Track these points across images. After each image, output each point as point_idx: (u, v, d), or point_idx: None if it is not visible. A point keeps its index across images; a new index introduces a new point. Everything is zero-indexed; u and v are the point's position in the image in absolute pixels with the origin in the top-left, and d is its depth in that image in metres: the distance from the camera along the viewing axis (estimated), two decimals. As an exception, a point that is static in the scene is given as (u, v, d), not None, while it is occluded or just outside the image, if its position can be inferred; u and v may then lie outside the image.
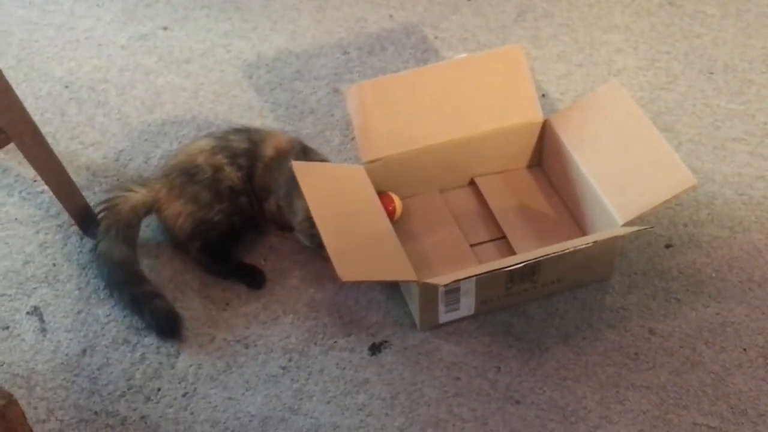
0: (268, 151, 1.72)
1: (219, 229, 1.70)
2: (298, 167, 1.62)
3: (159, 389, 1.55)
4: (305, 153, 1.74)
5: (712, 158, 1.89)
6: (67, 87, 2.10)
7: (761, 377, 1.53)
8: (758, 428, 1.47)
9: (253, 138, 1.74)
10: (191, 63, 2.15)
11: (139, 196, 1.70)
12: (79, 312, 1.66)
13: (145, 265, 1.72)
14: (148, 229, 1.78)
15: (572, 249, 1.50)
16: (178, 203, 1.69)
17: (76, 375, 1.57)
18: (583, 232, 1.72)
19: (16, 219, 1.82)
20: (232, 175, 1.70)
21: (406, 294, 1.64)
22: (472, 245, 1.73)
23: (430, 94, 1.76)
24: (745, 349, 1.57)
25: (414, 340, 1.60)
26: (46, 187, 1.76)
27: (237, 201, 1.71)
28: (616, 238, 1.62)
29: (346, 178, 1.69)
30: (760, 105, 2.00)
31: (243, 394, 1.54)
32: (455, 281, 1.48)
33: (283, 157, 1.71)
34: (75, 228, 1.79)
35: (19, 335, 1.63)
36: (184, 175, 1.70)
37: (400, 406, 1.51)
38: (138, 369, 1.57)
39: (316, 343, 1.60)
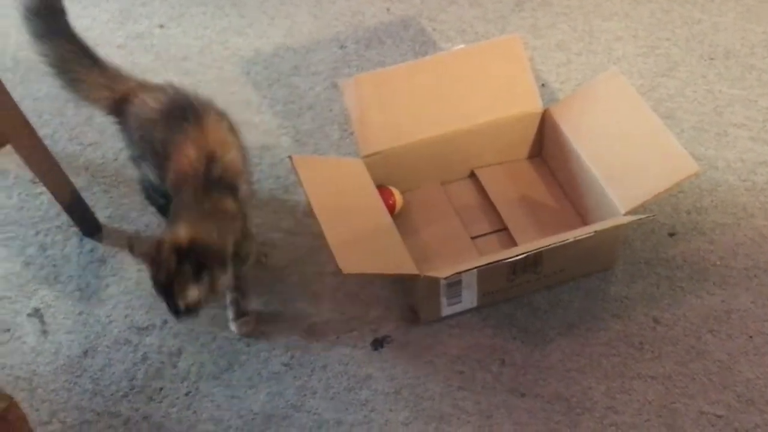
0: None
1: None
2: (297, 160, 1.61)
3: (161, 389, 1.54)
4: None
5: (714, 144, 1.87)
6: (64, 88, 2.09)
7: (768, 364, 1.52)
8: (765, 416, 1.45)
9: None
10: (188, 60, 2.14)
11: None
12: (80, 313, 1.66)
13: (146, 264, 1.72)
14: (147, 227, 1.77)
15: (574, 239, 1.48)
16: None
17: (78, 376, 1.57)
18: (585, 222, 1.71)
19: (15, 221, 1.81)
20: None
21: (407, 288, 1.63)
22: (473, 237, 1.72)
23: (429, 85, 1.75)
24: (751, 337, 1.56)
25: (416, 334, 1.59)
26: (45, 189, 1.76)
27: None
28: (618, 227, 1.60)
29: (345, 172, 1.68)
30: (761, 90, 1.98)
31: (246, 392, 1.53)
32: (456, 273, 1.47)
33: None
34: (75, 229, 1.78)
35: (20, 337, 1.63)
36: None
37: (403, 400, 1.51)
38: (140, 369, 1.57)
39: (318, 340, 1.59)
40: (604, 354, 1.55)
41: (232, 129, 1.58)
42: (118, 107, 1.60)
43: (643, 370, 1.52)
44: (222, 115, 1.57)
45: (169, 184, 1.51)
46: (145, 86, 1.61)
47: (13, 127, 1.61)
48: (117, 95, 1.60)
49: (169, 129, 1.52)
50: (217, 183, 1.46)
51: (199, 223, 1.42)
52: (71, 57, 1.61)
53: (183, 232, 1.39)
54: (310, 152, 1.91)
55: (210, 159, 1.47)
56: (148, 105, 1.56)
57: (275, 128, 1.97)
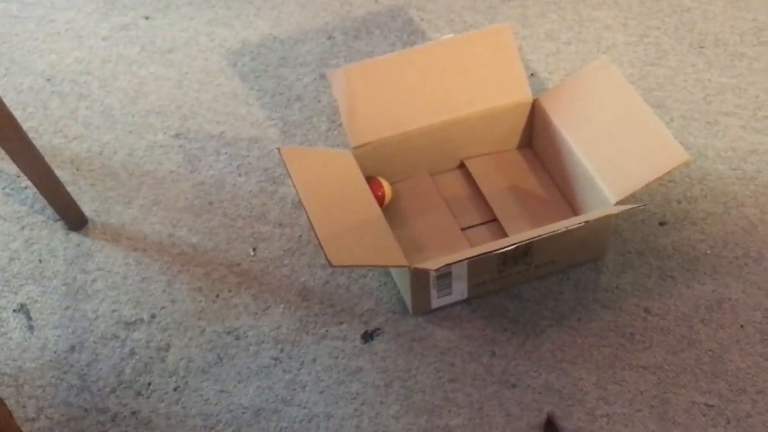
0: None
1: None
2: (285, 151, 1.60)
3: (149, 384, 1.53)
4: None
5: (704, 133, 1.87)
6: (48, 80, 2.07)
7: (759, 353, 1.52)
8: (757, 405, 1.45)
9: None
10: (174, 52, 2.12)
11: None
12: (66, 308, 1.64)
13: (133, 257, 1.70)
14: (134, 221, 1.76)
15: (564, 229, 1.47)
16: None
17: (65, 372, 1.55)
18: (576, 212, 1.70)
19: (0, 216, 1.79)
20: None
21: (397, 280, 1.62)
22: (463, 229, 1.70)
23: (418, 76, 1.73)
24: (742, 326, 1.55)
25: (407, 326, 1.58)
26: (29, 183, 1.74)
27: None
28: (608, 217, 1.59)
29: (334, 163, 1.66)
30: (751, 78, 1.97)
31: (235, 386, 1.52)
32: (446, 265, 1.46)
33: None
34: (60, 223, 1.76)
35: (6, 333, 1.61)
36: None
37: (394, 393, 1.50)
38: (128, 364, 1.55)
39: (308, 333, 1.58)
40: (595, 345, 1.54)
41: None
42: None
43: (635, 360, 1.52)
44: None
45: None
46: None
47: (-4, 121, 1.58)
48: None
49: None
50: None
51: None
52: None
53: None
54: (299, 144, 1.90)
55: None
56: None
57: (263, 120, 1.95)
